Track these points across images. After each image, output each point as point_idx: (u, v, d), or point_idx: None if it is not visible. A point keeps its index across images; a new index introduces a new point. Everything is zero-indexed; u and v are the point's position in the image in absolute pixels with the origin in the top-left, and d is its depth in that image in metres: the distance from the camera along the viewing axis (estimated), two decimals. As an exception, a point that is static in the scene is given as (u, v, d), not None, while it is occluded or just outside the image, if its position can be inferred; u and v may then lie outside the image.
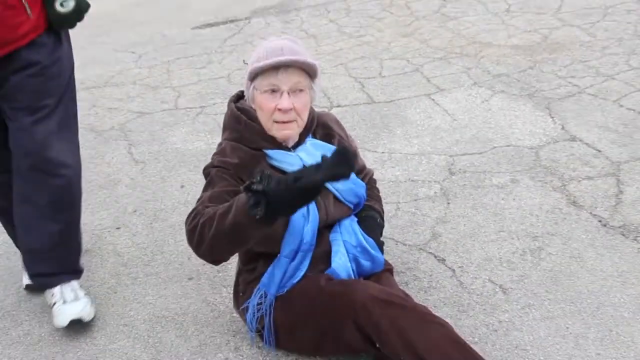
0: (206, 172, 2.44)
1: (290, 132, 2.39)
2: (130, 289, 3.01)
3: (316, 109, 2.53)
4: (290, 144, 2.43)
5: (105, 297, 2.97)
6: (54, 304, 2.78)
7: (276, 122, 2.35)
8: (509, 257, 2.95)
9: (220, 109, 4.74)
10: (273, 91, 2.31)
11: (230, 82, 5.32)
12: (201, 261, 2.58)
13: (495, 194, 3.41)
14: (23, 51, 2.50)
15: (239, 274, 2.59)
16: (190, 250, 2.80)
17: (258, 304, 2.44)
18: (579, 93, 4.45)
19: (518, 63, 5.05)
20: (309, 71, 2.34)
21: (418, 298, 2.67)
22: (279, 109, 2.31)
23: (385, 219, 2.76)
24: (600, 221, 3.13)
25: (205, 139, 4.36)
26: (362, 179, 2.65)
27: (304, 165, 2.05)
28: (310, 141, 2.46)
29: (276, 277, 2.40)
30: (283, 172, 2.38)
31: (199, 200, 2.34)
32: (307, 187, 1.94)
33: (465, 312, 2.67)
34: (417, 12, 6.65)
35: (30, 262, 2.85)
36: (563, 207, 3.25)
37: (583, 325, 2.54)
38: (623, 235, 3.02)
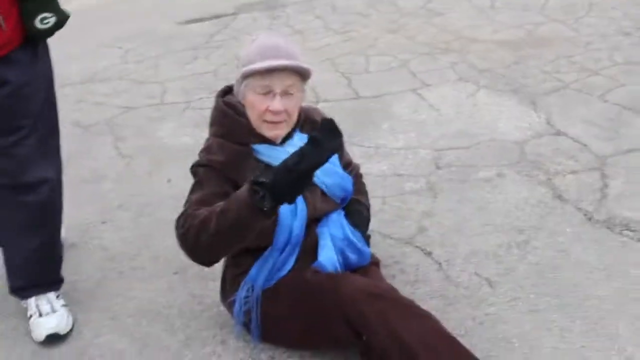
0: (193, 170, 2.43)
1: (280, 132, 2.39)
2: (116, 283, 3.00)
3: (303, 104, 2.53)
4: (279, 139, 2.43)
5: (91, 292, 2.96)
6: (30, 316, 2.75)
7: (266, 121, 2.34)
8: (495, 250, 2.96)
9: (206, 104, 4.71)
10: (265, 92, 2.29)
11: (216, 78, 5.31)
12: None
13: (481, 188, 3.43)
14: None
15: (226, 267, 2.59)
16: (176, 244, 2.79)
17: (245, 297, 2.44)
18: (563, 88, 4.48)
19: (503, 58, 5.07)
20: (303, 74, 2.33)
21: (404, 291, 2.66)
22: (271, 111, 2.30)
23: (371, 212, 2.76)
24: (585, 215, 3.15)
25: (192, 134, 4.34)
26: (349, 173, 2.65)
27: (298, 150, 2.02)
28: (297, 136, 2.45)
29: (263, 270, 2.40)
30: (271, 167, 2.38)
31: (187, 202, 2.33)
32: (312, 166, 1.98)
33: (451, 305, 2.68)
34: (403, 8, 6.66)
35: (12, 276, 2.79)
36: (548, 201, 3.27)
37: (568, 318, 2.56)
38: (608, 228, 3.04)
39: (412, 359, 2.10)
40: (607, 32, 5.39)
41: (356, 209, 2.65)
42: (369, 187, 2.86)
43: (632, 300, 2.62)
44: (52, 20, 2.43)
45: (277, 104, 2.29)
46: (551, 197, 3.30)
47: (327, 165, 2.43)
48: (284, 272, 2.41)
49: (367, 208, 2.72)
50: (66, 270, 2.89)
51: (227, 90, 2.54)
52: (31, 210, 2.63)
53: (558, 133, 3.90)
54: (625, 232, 3.01)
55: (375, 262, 2.64)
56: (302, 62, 2.31)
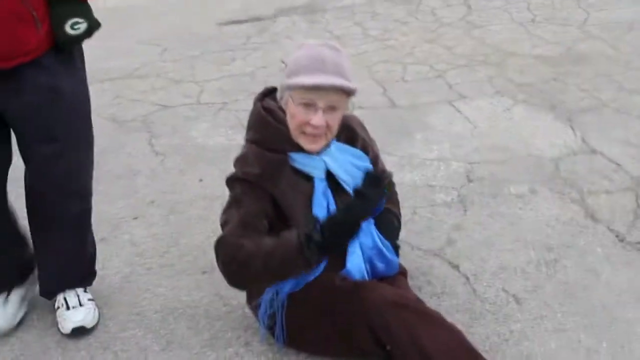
0: (230, 184, 2.42)
1: (318, 147, 2.34)
2: (144, 279, 3.03)
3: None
4: (315, 152, 2.41)
5: (119, 286, 2.99)
6: (57, 308, 2.78)
7: (304, 133, 2.31)
8: (524, 267, 2.94)
9: (242, 106, 4.75)
10: (308, 104, 2.25)
11: (253, 80, 5.33)
12: (215, 255, 2.59)
13: (512, 203, 3.41)
14: (30, 71, 2.32)
15: (253, 270, 2.60)
16: (205, 243, 2.82)
17: (270, 301, 2.44)
18: (601, 106, 4.44)
19: (541, 74, 5.04)
20: (348, 91, 2.29)
21: (430, 303, 2.66)
22: (311, 125, 2.26)
23: (401, 222, 2.75)
24: (617, 236, 3.11)
25: (226, 135, 4.37)
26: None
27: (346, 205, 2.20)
28: (334, 144, 2.42)
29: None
30: (307, 175, 2.39)
31: (225, 222, 2.34)
32: (359, 218, 2.15)
33: (477, 320, 2.66)
34: (443, 18, 6.65)
35: (44, 281, 2.81)
36: (580, 219, 3.24)
37: (595, 339, 2.53)
38: (639, 251, 3.00)
39: (435, 371, 2.10)
40: (648, 52, 5.34)
41: (387, 219, 2.63)
42: (400, 197, 2.85)
43: (661, 325, 2.59)
44: (83, 26, 2.36)
45: (319, 119, 2.24)
46: (583, 216, 3.27)
47: (360, 175, 2.45)
48: (311, 277, 2.41)
49: (398, 218, 2.71)
50: (95, 264, 2.91)
51: (267, 93, 2.50)
52: (72, 217, 2.66)
53: (593, 152, 3.86)
54: (657, 255, 2.98)
55: (402, 272, 2.63)
56: (349, 80, 2.26)
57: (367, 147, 2.57)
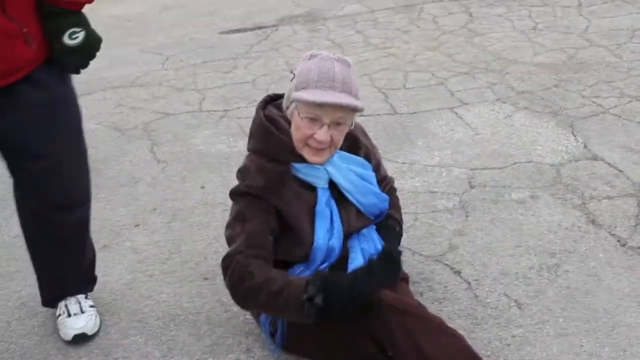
0: (234, 198, 2.43)
1: (321, 160, 2.35)
2: (145, 286, 3.03)
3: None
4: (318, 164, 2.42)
5: (121, 293, 2.99)
6: (59, 316, 2.78)
7: (308, 146, 2.31)
8: (526, 272, 2.94)
9: (244, 113, 4.76)
10: (313, 119, 2.25)
11: (255, 88, 5.33)
12: (217, 262, 2.58)
13: (514, 209, 3.40)
14: (22, 87, 2.28)
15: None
16: (206, 250, 2.82)
17: (272, 307, 2.44)
18: (602, 113, 4.44)
19: (543, 81, 5.04)
20: (355, 109, 2.28)
21: (432, 309, 2.66)
22: (316, 139, 2.27)
23: (403, 228, 2.76)
24: (619, 241, 3.11)
25: (228, 142, 4.37)
26: (384, 188, 2.65)
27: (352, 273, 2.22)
28: (337, 154, 2.42)
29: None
30: (310, 185, 2.39)
31: (232, 238, 2.35)
32: (362, 294, 2.12)
33: (478, 325, 2.66)
34: (444, 26, 6.65)
35: (44, 291, 2.80)
36: (582, 225, 3.24)
37: (597, 344, 2.53)
38: (641, 256, 3.01)
39: (436, 376, 2.09)
40: (650, 59, 5.34)
41: (389, 224, 2.65)
42: (401, 203, 2.86)
43: (663, 330, 2.58)
44: (81, 35, 2.30)
45: (323, 134, 2.25)
46: (585, 222, 3.27)
47: (363, 184, 2.46)
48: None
49: (400, 224, 2.72)
50: (97, 271, 2.91)
51: (269, 101, 2.50)
52: (69, 230, 2.64)
53: (595, 158, 3.86)
54: (659, 260, 2.97)
55: (404, 278, 2.63)
56: (357, 97, 2.27)
57: (369, 154, 2.58)
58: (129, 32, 7.34)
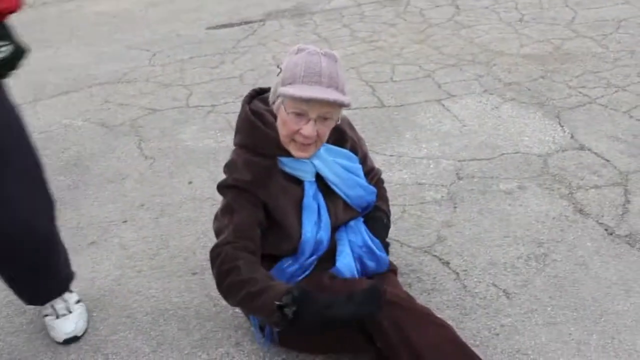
0: (221, 191, 2.42)
1: (307, 155, 2.33)
2: (134, 282, 3.02)
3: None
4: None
5: (109, 289, 2.99)
6: (45, 315, 2.74)
7: (294, 141, 2.29)
8: (514, 262, 2.95)
9: (231, 108, 4.76)
10: (300, 114, 2.23)
11: (242, 83, 5.33)
12: (205, 257, 2.58)
13: (502, 200, 3.41)
14: None
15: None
16: (195, 245, 2.80)
17: (261, 300, 2.44)
18: (589, 103, 4.45)
19: (529, 72, 5.05)
20: (342, 105, 2.26)
21: (421, 300, 2.66)
22: (302, 134, 2.25)
23: (391, 220, 2.76)
24: (606, 230, 3.12)
25: (215, 137, 4.37)
26: (371, 179, 2.65)
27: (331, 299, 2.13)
28: (324, 147, 2.40)
29: (282, 276, 2.40)
30: (297, 179, 2.39)
31: (220, 230, 2.34)
32: (335, 318, 2.05)
33: (467, 315, 2.66)
34: (431, 19, 6.66)
35: (22, 294, 2.70)
36: (569, 214, 3.25)
37: (585, 331, 2.54)
38: (629, 244, 3.01)
39: (424, 367, 2.09)
40: (637, 49, 5.34)
41: (376, 216, 2.64)
42: (389, 195, 2.86)
43: (651, 317, 2.59)
44: (8, 48, 2.15)
45: (309, 129, 2.23)
46: (572, 211, 3.28)
47: (350, 177, 2.46)
48: (301, 277, 2.41)
49: (388, 215, 2.71)
50: (85, 268, 2.91)
51: (254, 95, 2.48)
52: (37, 240, 2.47)
53: (582, 148, 3.87)
54: (646, 248, 2.99)
55: (392, 270, 2.64)
56: (344, 93, 2.24)
57: (356, 147, 2.57)
58: (116, 28, 7.32)
